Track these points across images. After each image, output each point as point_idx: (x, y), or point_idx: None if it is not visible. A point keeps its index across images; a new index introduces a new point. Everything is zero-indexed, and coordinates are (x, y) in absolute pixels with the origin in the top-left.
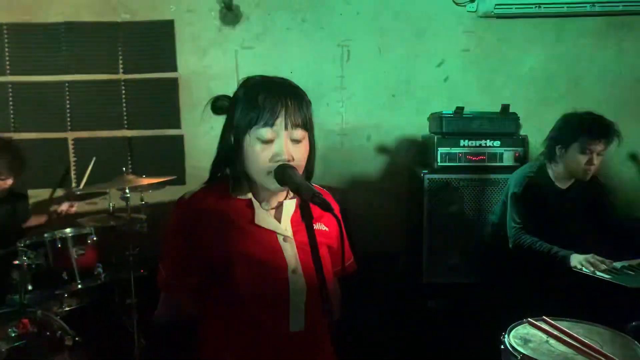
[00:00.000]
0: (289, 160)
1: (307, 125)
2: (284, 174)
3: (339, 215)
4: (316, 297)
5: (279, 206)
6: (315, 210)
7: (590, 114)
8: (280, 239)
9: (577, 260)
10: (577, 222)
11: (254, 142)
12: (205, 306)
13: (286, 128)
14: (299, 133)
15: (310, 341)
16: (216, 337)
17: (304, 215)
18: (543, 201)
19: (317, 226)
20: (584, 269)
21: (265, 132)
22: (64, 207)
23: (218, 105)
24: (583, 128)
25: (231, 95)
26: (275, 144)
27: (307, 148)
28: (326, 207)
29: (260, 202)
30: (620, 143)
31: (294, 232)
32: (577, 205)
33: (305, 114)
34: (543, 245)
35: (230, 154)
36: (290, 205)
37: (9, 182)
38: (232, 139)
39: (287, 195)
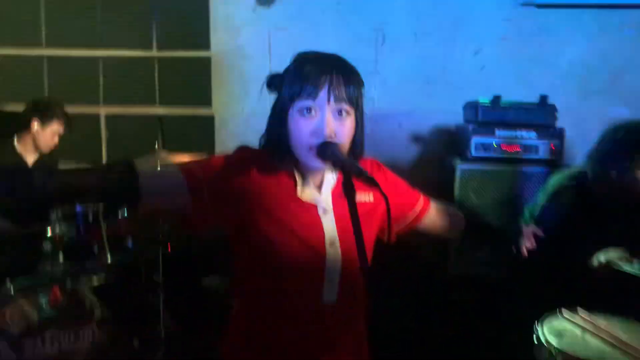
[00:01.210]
0: (330, 136)
1: (354, 102)
2: (326, 151)
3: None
4: (351, 270)
5: (322, 179)
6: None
7: None
8: (320, 211)
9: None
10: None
11: (297, 116)
12: (239, 274)
13: (329, 101)
14: (343, 108)
15: (341, 313)
16: (248, 306)
17: (347, 191)
18: (575, 217)
19: (361, 197)
20: None
21: (307, 105)
22: None
23: (273, 82)
24: None
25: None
26: (316, 118)
27: (353, 126)
28: (372, 184)
29: (303, 178)
30: None
31: (334, 205)
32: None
33: (353, 91)
34: None
35: (276, 128)
36: (331, 178)
37: (57, 140)
38: (279, 113)
39: (331, 171)
